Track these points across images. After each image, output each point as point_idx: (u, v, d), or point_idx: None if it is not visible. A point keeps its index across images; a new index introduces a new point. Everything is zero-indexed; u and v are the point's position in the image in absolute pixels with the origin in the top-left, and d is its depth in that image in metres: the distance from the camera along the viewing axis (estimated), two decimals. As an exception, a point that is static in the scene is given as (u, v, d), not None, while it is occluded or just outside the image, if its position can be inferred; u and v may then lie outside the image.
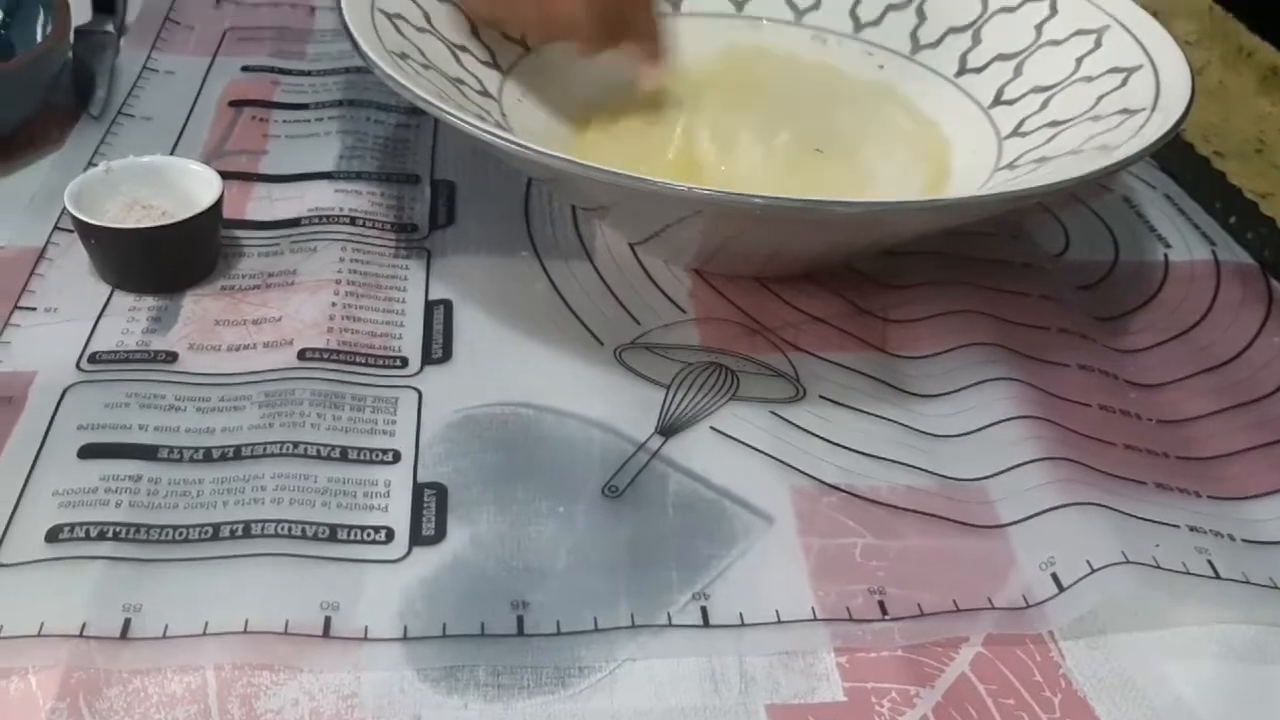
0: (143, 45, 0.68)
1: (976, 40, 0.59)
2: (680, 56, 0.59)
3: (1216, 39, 0.73)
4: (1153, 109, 0.49)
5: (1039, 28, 0.58)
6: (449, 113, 0.45)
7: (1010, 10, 0.59)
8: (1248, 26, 0.73)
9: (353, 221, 0.55)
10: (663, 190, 0.42)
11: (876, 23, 0.62)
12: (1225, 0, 0.75)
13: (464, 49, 0.56)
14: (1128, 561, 0.40)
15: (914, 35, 0.61)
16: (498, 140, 0.44)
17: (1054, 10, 0.58)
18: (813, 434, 0.46)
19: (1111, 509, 0.42)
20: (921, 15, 0.61)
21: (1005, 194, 0.48)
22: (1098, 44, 0.55)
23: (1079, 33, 0.56)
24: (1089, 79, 0.54)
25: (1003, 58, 0.58)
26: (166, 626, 0.37)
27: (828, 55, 0.63)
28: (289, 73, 0.66)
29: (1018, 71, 0.57)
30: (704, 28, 0.64)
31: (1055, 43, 0.57)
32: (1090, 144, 0.49)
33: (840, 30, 0.63)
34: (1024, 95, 0.56)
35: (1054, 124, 0.53)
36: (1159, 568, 0.40)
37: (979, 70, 0.59)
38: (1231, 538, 0.43)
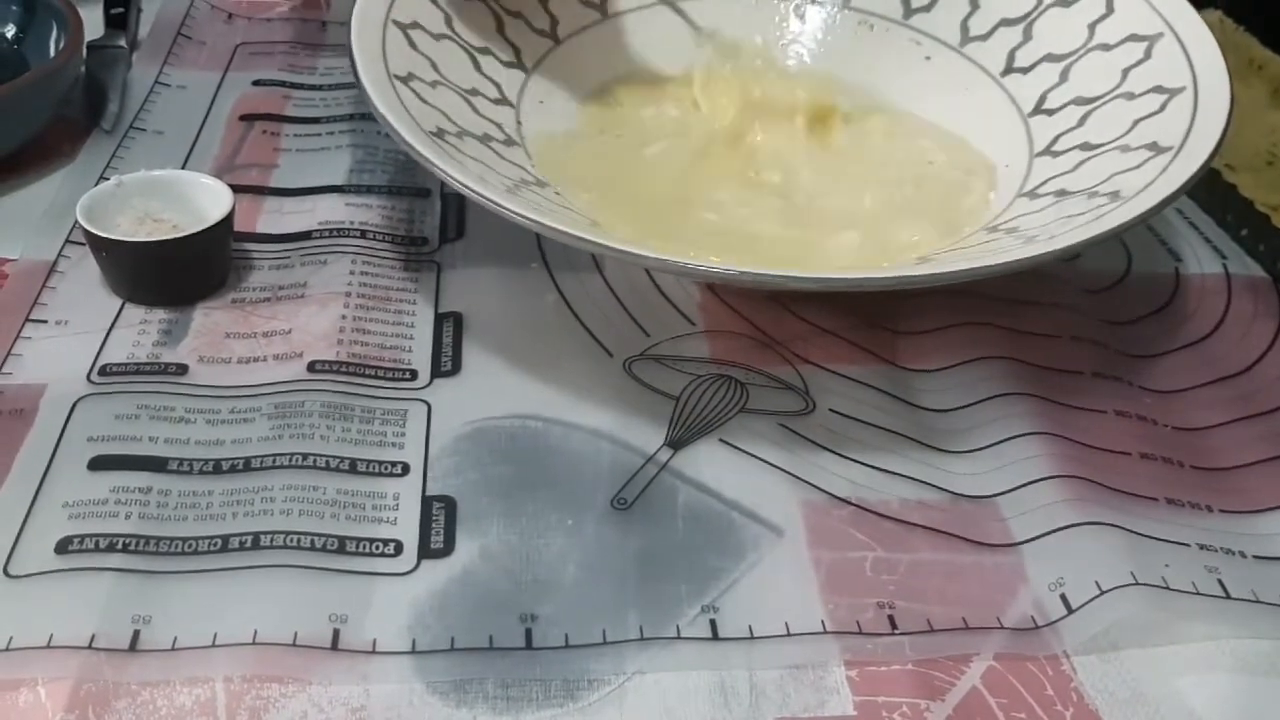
0: (155, 60, 0.68)
1: (1028, 36, 0.58)
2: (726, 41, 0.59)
3: (1228, 52, 0.73)
4: (1179, 149, 0.48)
5: (1092, 27, 0.56)
6: (434, 163, 0.45)
7: (1065, 4, 0.58)
8: (1259, 39, 0.73)
9: (363, 235, 0.55)
10: (644, 261, 0.43)
11: (927, 9, 0.61)
12: (1237, 13, 0.75)
13: (485, 51, 0.56)
14: (1137, 583, 0.40)
15: (965, 25, 0.60)
16: (472, 194, 0.44)
17: (1110, 9, 0.56)
18: (823, 447, 0.46)
19: (1122, 528, 0.42)
20: (974, 3, 0.60)
21: (978, 269, 0.44)
22: (1148, 54, 0.54)
23: (1131, 38, 0.55)
24: (1131, 96, 0.53)
25: (1051, 59, 0.57)
26: (175, 638, 0.37)
27: (873, 44, 0.61)
28: (300, 87, 0.67)
29: (1064, 77, 0.56)
30: (750, 9, 0.63)
31: (1106, 47, 0.55)
32: (1106, 185, 0.49)
33: (889, 15, 0.62)
34: (1065, 105, 0.55)
35: (1086, 146, 0.53)
36: (1168, 589, 0.40)
37: (1025, 70, 0.57)
38: (1242, 554, 0.43)
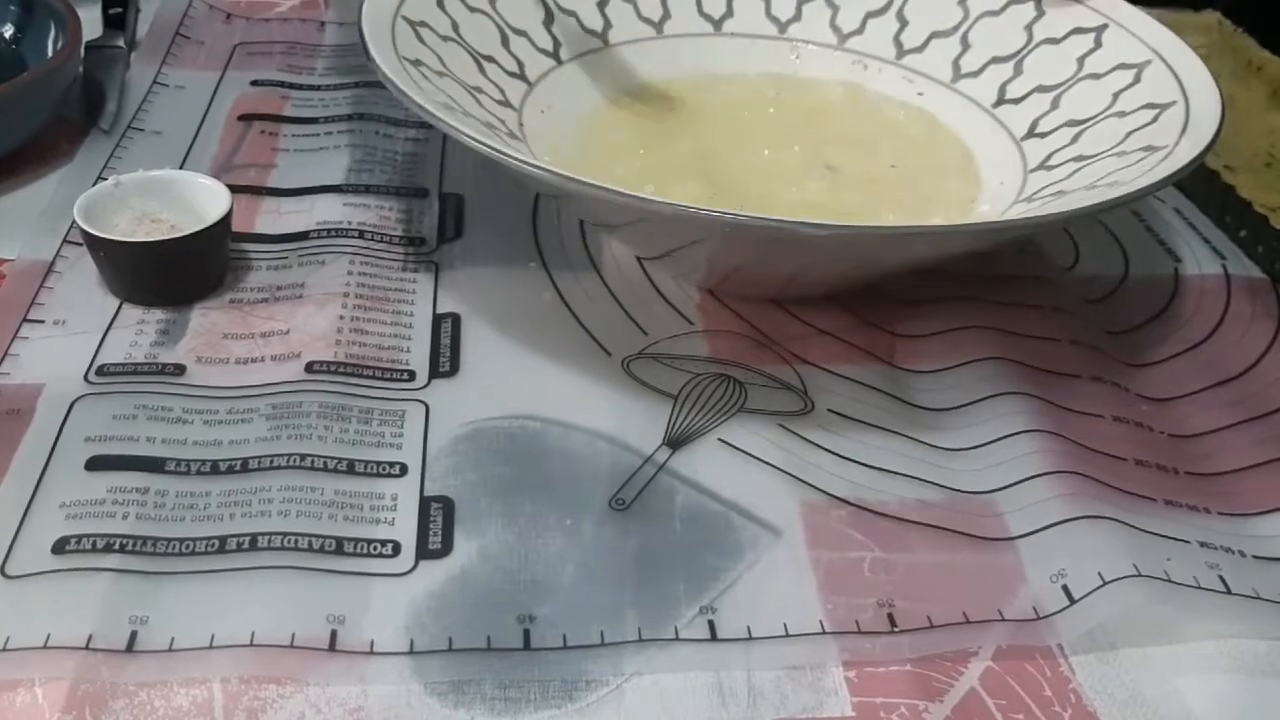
0: (153, 60, 0.68)
1: (1018, 71, 0.59)
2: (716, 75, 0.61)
3: (1226, 53, 0.73)
4: (1173, 147, 0.49)
5: (1081, 60, 0.57)
6: (442, 119, 0.45)
7: (1055, 41, 0.58)
8: (1258, 41, 0.73)
9: (361, 235, 0.55)
10: (630, 203, 0.42)
11: (920, 49, 0.62)
12: (1235, 15, 0.75)
13: (490, 59, 0.56)
14: (1139, 575, 0.40)
15: (956, 63, 0.61)
16: (479, 146, 0.44)
17: (1098, 43, 0.57)
18: (821, 447, 0.46)
19: (1122, 523, 0.42)
20: (966, 43, 0.61)
21: (985, 225, 0.47)
22: (1137, 79, 0.55)
23: (1120, 67, 0.56)
24: (1122, 114, 0.53)
25: (1042, 89, 0.57)
26: (173, 639, 0.37)
27: (865, 80, 0.63)
28: (298, 87, 0.67)
29: (1055, 105, 0.57)
30: (745, 49, 0.64)
31: (1096, 76, 0.56)
32: (1104, 181, 0.49)
33: (882, 56, 0.63)
34: (1058, 128, 0.56)
35: (1080, 158, 0.53)
36: (1170, 581, 0.40)
37: (1017, 101, 0.58)
38: (1242, 554, 0.43)
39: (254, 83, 0.67)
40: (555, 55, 0.59)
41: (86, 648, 0.36)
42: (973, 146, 0.58)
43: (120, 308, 0.50)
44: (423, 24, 0.54)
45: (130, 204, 0.51)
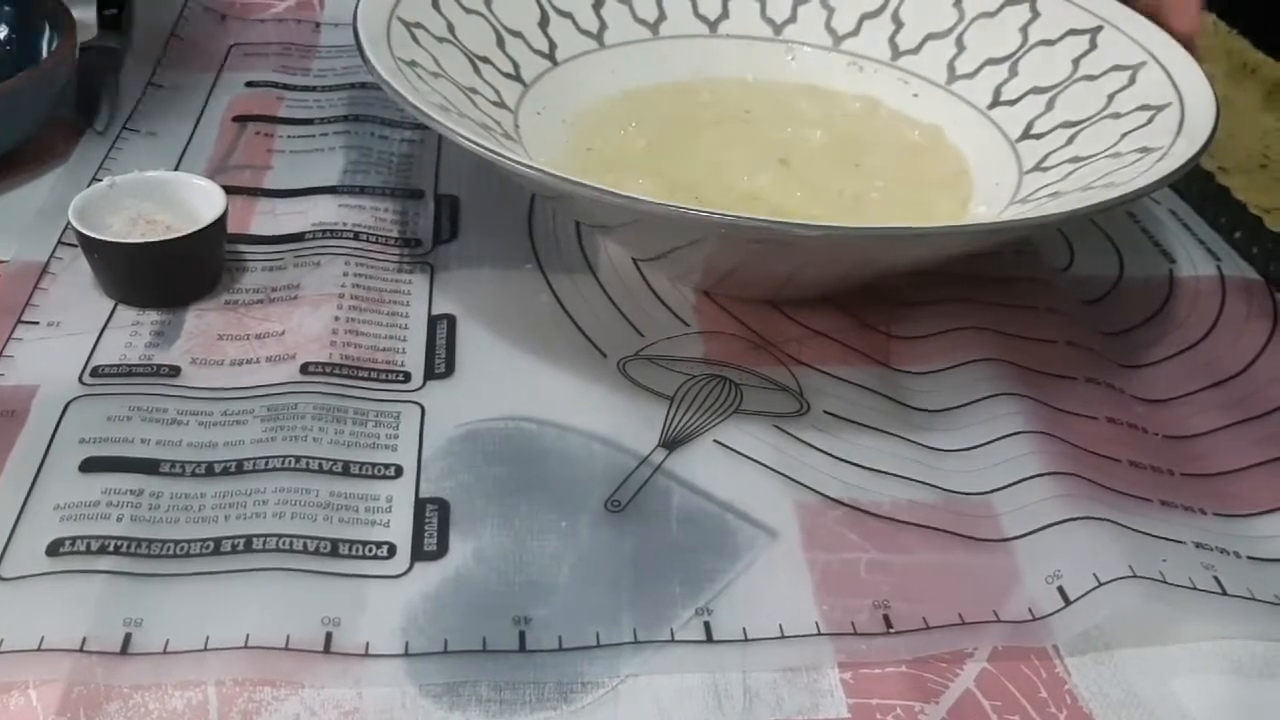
0: (148, 61, 0.68)
1: (1013, 72, 0.59)
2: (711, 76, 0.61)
3: (1220, 55, 0.73)
4: (1169, 148, 0.49)
5: (1076, 62, 0.57)
6: (437, 120, 0.45)
7: (1050, 43, 0.59)
8: (1253, 43, 0.73)
9: (356, 236, 0.55)
10: (617, 202, 0.42)
11: (915, 51, 0.62)
12: (1229, 16, 0.75)
13: (486, 60, 0.56)
14: (1135, 576, 0.40)
15: (951, 65, 0.61)
16: (475, 147, 0.44)
17: (1093, 45, 0.57)
18: (816, 448, 0.46)
19: (1118, 524, 0.42)
20: (961, 45, 0.61)
21: (981, 226, 0.47)
22: (1132, 80, 0.55)
23: (1115, 68, 0.56)
24: (1118, 115, 0.54)
25: (1037, 91, 0.58)
26: (167, 641, 0.37)
27: (861, 82, 0.63)
28: (294, 88, 0.67)
29: (1050, 106, 0.57)
30: (740, 50, 0.64)
31: (1091, 78, 0.56)
32: (1099, 182, 0.49)
33: (877, 58, 0.63)
34: (1053, 130, 0.56)
35: (1075, 160, 0.53)
36: (1166, 583, 0.40)
37: (1012, 103, 0.58)
38: (1237, 555, 0.43)
39: (249, 84, 0.67)
40: (551, 57, 0.59)
41: (81, 650, 0.36)
42: (971, 167, 0.58)
43: (115, 309, 0.49)
44: (418, 25, 0.54)
45: (125, 205, 0.51)
